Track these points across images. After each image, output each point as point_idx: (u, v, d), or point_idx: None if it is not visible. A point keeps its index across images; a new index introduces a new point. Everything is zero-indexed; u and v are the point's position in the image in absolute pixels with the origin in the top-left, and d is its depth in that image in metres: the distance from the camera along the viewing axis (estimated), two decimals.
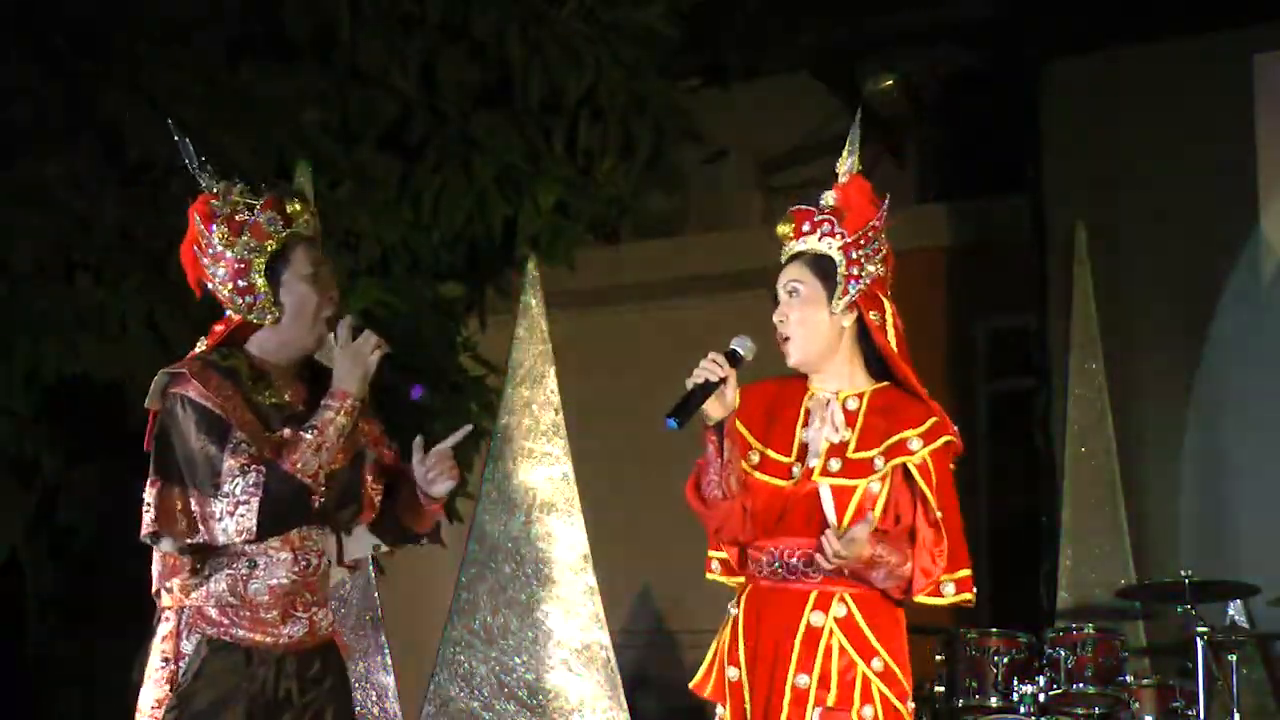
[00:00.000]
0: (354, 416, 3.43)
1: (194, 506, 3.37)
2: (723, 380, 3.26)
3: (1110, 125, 7.79)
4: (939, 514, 3.34)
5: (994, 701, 5.90)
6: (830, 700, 3.29)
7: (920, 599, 3.39)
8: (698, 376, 3.26)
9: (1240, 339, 7.38)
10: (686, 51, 7.43)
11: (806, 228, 3.45)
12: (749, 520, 3.41)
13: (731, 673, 3.40)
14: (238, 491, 3.33)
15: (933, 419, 3.40)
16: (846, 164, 3.54)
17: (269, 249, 3.48)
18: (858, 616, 3.34)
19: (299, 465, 3.36)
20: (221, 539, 3.37)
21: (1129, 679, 5.93)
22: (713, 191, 9.34)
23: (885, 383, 3.46)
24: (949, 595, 3.39)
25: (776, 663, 3.33)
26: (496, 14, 6.96)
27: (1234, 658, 5.80)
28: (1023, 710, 5.82)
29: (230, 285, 3.49)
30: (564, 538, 6.25)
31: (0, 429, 6.87)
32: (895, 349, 3.44)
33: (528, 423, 6.27)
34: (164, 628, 3.48)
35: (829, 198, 3.49)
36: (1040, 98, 7.98)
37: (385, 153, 7.04)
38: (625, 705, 6.16)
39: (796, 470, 3.38)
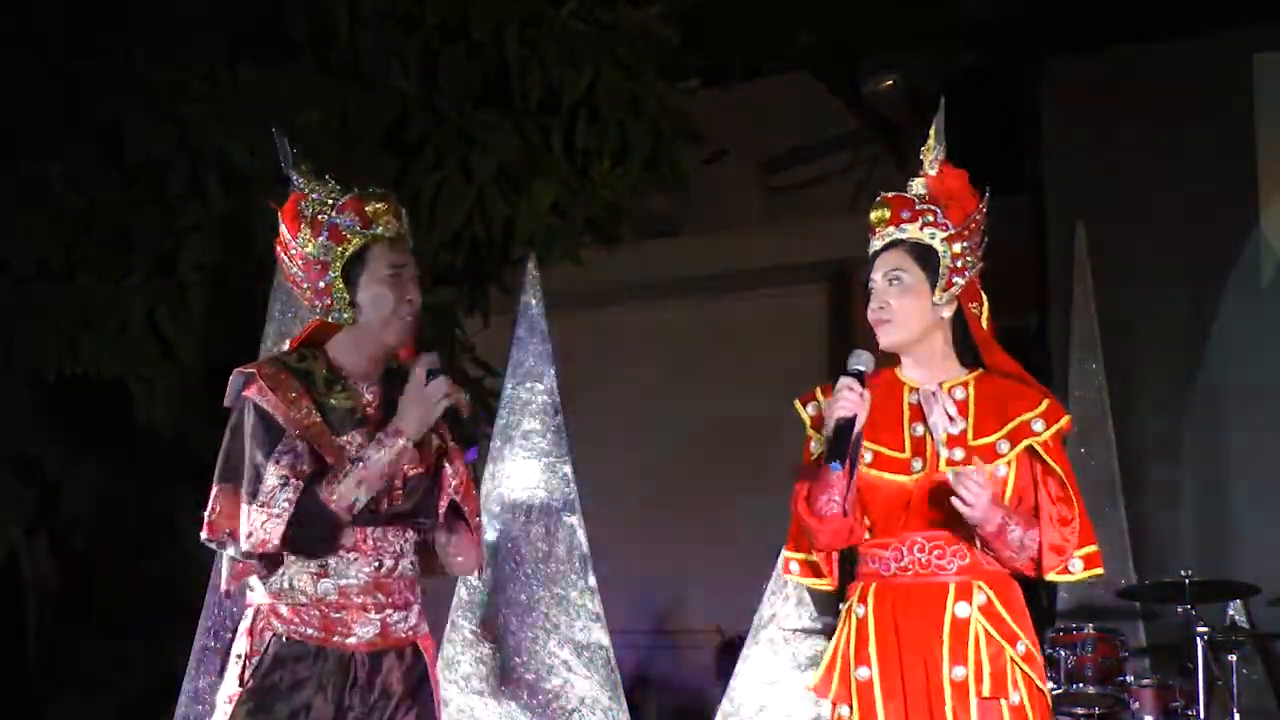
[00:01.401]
0: (403, 457, 3.39)
1: (239, 510, 3.38)
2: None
3: (1110, 125, 7.80)
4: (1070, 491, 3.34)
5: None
6: (986, 690, 3.28)
7: (1051, 577, 3.37)
8: (841, 411, 3.22)
9: (1240, 338, 7.39)
10: (686, 51, 7.43)
11: (906, 215, 3.43)
12: (861, 523, 3.38)
13: (862, 673, 3.35)
14: (272, 503, 3.33)
15: (1047, 400, 3.41)
16: (934, 153, 3.56)
17: (346, 251, 3.51)
18: (997, 603, 3.33)
19: (334, 497, 3.35)
20: (245, 545, 3.37)
21: (1129, 679, 5.93)
22: (712, 191, 9.34)
23: (979, 370, 3.46)
24: (1077, 572, 3.38)
25: (925, 659, 3.30)
26: (495, 14, 6.96)
27: (1234, 658, 5.81)
28: None
29: (309, 286, 3.52)
30: (564, 538, 6.24)
31: (1, 428, 6.87)
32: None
33: (528, 423, 6.27)
34: (244, 623, 3.49)
35: (919, 186, 3.49)
36: (1040, 98, 8.00)
37: (384, 153, 7.04)
38: (625, 705, 6.16)
39: (917, 464, 3.35)
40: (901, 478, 3.35)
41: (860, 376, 3.26)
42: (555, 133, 7.16)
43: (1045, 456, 3.35)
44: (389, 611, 3.47)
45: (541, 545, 6.23)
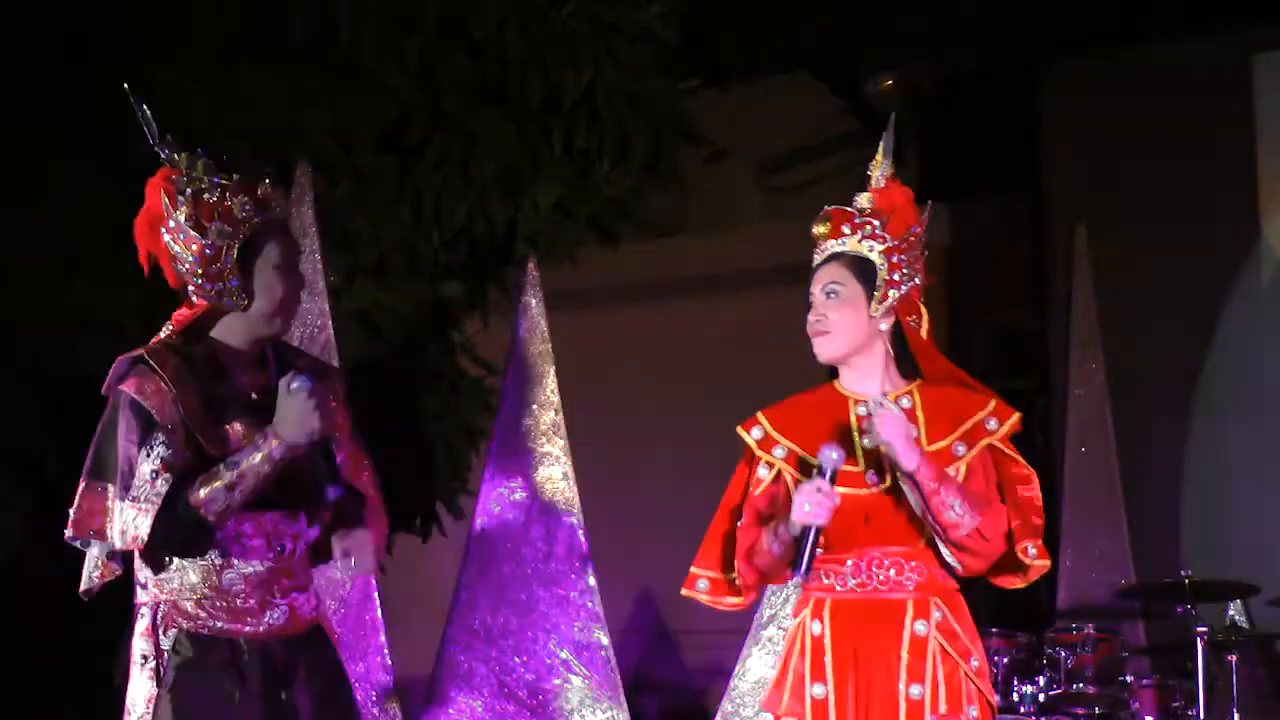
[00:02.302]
0: (279, 464, 3.29)
1: (109, 504, 3.34)
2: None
3: (1110, 125, 7.80)
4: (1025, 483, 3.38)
5: (994, 701, 5.89)
6: (942, 706, 3.29)
7: (1030, 563, 3.36)
8: (813, 519, 3.20)
9: (1240, 338, 7.39)
10: (686, 52, 7.42)
11: (847, 229, 3.43)
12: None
13: (817, 690, 3.32)
14: (141, 497, 3.28)
15: (994, 400, 3.45)
16: (881, 168, 3.52)
17: (241, 236, 3.42)
18: (951, 620, 3.34)
19: (204, 499, 3.27)
20: (118, 542, 3.32)
21: (1129, 679, 5.94)
22: (712, 191, 9.34)
23: (919, 380, 3.46)
24: (1033, 558, 3.37)
25: (883, 676, 3.29)
26: (496, 14, 6.96)
27: (1234, 658, 5.81)
28: (1023, 710, 5.83)
29: (200, 271, 3.43)
30: (564, 538, 6.25)
31: (0, 428, 6.87)
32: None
33: (528, 423, 6.27)
34: (140, 624, 3.42)
35: (864, 200, 3.48)
36: (1040, 98, 7.99)
37: (384, 153, 7.04)
38: (625, 705, 6.16)
39: (872, 477, 3.33)
40: (859, 491, 3.33)
41: (833, 478, 3.23)
42: (555, 133, 7.16)
43: (1005, 450, 3.39)
44: (294, 595, 3.43)
45: (541, 545, 6.23)
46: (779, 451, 3.42)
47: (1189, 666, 5.80)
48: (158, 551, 3.34)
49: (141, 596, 3.43)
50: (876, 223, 3.42)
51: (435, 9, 6.93)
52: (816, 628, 3.36)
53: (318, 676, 3.46)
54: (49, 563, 7.45)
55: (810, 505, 3.19)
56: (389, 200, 6.98)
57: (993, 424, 3.39)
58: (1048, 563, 3.40)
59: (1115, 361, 7.14)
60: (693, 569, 3.53)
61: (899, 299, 3.42)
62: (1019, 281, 8.07)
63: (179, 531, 3.29)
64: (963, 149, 8.80)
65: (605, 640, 6.15)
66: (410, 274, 7.12)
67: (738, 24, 8.29)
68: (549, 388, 6.29)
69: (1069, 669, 5.88)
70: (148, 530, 3.26)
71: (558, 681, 6.04)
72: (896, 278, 3.42)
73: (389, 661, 5.73)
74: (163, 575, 3.38)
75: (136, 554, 3.42)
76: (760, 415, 3.47)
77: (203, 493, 3.28)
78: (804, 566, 3.20)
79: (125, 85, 3.65)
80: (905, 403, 3.40)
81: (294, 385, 3.30)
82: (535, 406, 6.29)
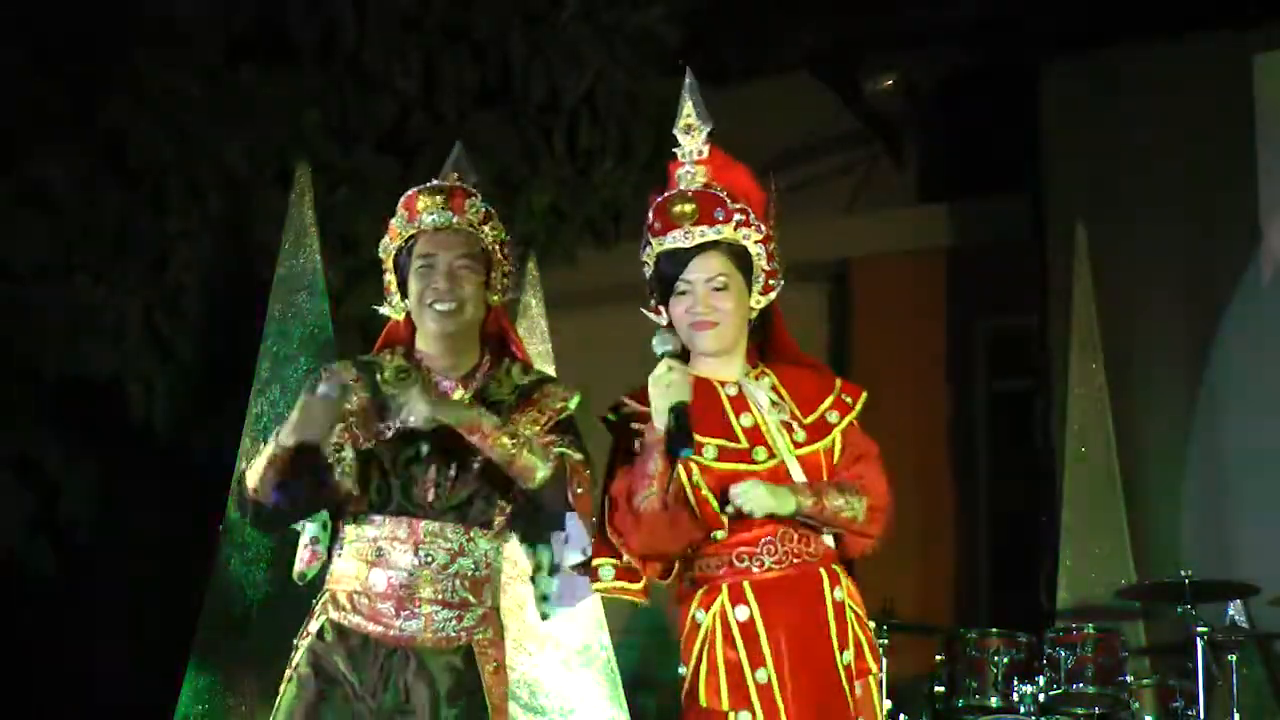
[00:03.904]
0: (286, 448, 3.30)
1: None
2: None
3: (1110, 125, 7.80)
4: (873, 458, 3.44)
5: (994, 701, 5.90)
6: (872, 667, 3.35)
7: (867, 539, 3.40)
8: (677, 395, 3.18)
9: (1240, 338, 7.38)
10: (686, 52, 7.42)
11: (720, 215, 3.35)
12: (702, 522, 3.29)
13: (760, 675, 3.27)
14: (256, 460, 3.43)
15: (839, 379, 3.48)
16: (697, 132, 3.46)
17: (396, 245, 3.55)
18: (850, 585, 3.38)
19: (247, 471, 3.43)
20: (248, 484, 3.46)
21: (1129, 679, 5.93)
22: None
23: (767, 362, 3.47)
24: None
25: (817, 648, 3.29)
26: (498, 15, 6.96)
27: (1234, 658, 5.80)
28: (1023, 710, 5.83)
29: (385, 284, 3.60)
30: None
31: (1, 428, 6.87)
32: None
33: None
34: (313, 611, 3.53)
35: (702, 174, 3.40)
36: (1040, 98, 7.98)
37: (384, 154, 7.04)
38: (625, 705, 6.16)
39: (761, 453, 3.31)
40: (755, 467, 3.30)
41: (678, 357, 3.25)
42: (556, 133, 7.16)
43: (851, 427, 3.44)
44: (436, 608, 3.42)
45: None
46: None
47: (1189, 666, 5.80)
48: (253, 525, 3.56)
49: (326, 583, 3.54)
50: (748, 210, 3.37)
51: (438, 10, 6.94)
52: (743, 613, 3.30)
53: (434, 695, 3.41)
54: (47, 560, 7.47)
55: (663, 387, 3.18)
56: (389, 202, 6.98)
57: (849, 398, 3.44)
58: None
59: (1115, 361, 7.14)
60: (595, 561, 3.42)
61: (776, 288, 3.42)
62: (1019, 281, 8.06)
63: (242, 507, 3.48)
64: (963, 149, 8.80)
65: (605, 640, 6.15)
66: None
67: (738, 24, 8.29)
68: None
69: (1069, 669, 5.87)
70: (252, 485, 3.39)
71: (558, 681, 6.04)
72: (773, 267, 3.40)
73: None
74: (334, 565, 3.48)
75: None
76: (624, 398, 3.42)
77: (248, 467, 3.43)
78: (685, 444, 3.14)
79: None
80: (766, 382, 3.41)
81: (320, 387, 3.33)
82: None
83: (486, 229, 3.57)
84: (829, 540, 3.36)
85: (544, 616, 3.72)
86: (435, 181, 3.59)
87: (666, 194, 3.43)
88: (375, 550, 3.42)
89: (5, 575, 7.38)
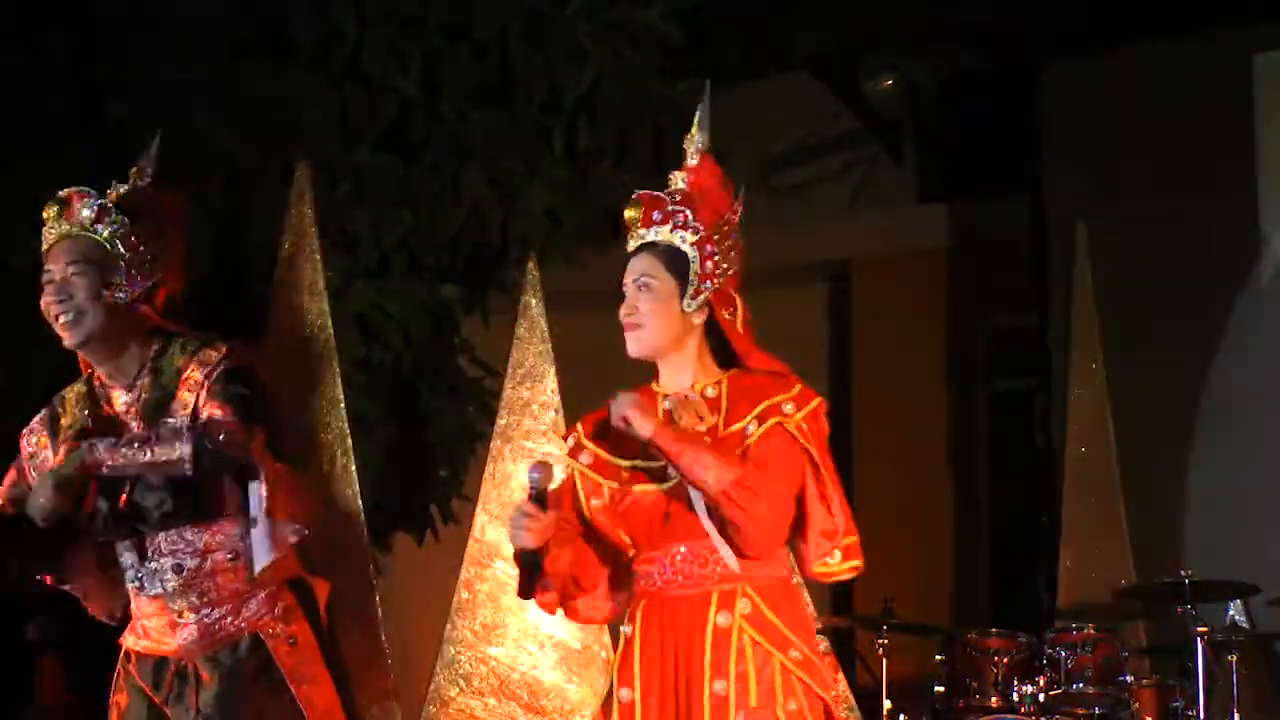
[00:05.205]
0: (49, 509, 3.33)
1: None
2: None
3: (1110, 125, 7.80)
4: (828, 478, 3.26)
5: (994, 701, 5.90)
6: (753, 700, 3.15)
7: (816, 569, 3.28)
8: (517, 541, 3.16)
9: (1240, 338, 7.39)
10: (686, 52, 7.42)
11: (657, 217, 3.31)
12: (615, 552, 3.29)
13: (624, 694, 3.25)
14: None
15: (799, 386, 3.31)
16: (696, 141, 3.42)
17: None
18: (765, 609, 3.21)
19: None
20: None
21: (1129, 679, 5.93)
22: None
23: (734, 369, 3.37)
24: (836, 563, 3.28)
25: (688, 674, 3.19)
26: (499, 15, 6.95)
27: (1234, 658, 5.80)
28: (1023, 710, 5.82)
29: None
30: None
31: (1, 428, 6.86)
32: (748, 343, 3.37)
33: (528, 423, 6.26)
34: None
35: (679, 180, 3.37)
36: (1040, 98, 7.99)
37: (385, 153, 7.04)
38: None
39: (671, 470, 3.22)
40: (661, 486, 3.24)
41: (543, 499, 3.16)
42: (556, 133, 7.16)
43: (803, 441, 3.24)
44: (206, 611, 3.42)
45: None
46: (585, 458, 3.34)
47: (1189, 666, 5.80)
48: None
49: None
50: (688, 212, 3.29)
51: (438, 9, 6.93)
52: (628, 629, 3.29)
53: (231, 688, 3.42)
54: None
55: (513, 528, 3.14)
56: (389, 201, 6.98)
57: (789, 407, 3.25)
58: (856, 563, 3.29)
59: (1115, 361, 7.14)
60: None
61: (712, 293, 3.31)
62: (1019, 281, 8.06)
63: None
64: (963, 149, 8.80)
65: (605, 640, 6.15)
66: (410, 275, 7.13)
67: (738, 24, 8.29)
68: (549, 388, 6.28)
69: (1069, 669, 5.87)
70: None
71: (558, 681, 6.04)
72: (709, 269, 3.29)
73: (389, 661, 5.72)
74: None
75: None
76: (578, 423, 3.40)
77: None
78: (530, 591, 3.15)
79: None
80: (710, 392, 3.31)
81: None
82: (535, 407, 6.28)
83: (100, 228, 3.54)
84: (732, 562, 3.22)
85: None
86: (59, 193, 3.60)
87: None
88: (132, 575, 3.46)
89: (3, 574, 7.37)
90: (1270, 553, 6.79)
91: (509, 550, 6.17)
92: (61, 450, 3.36)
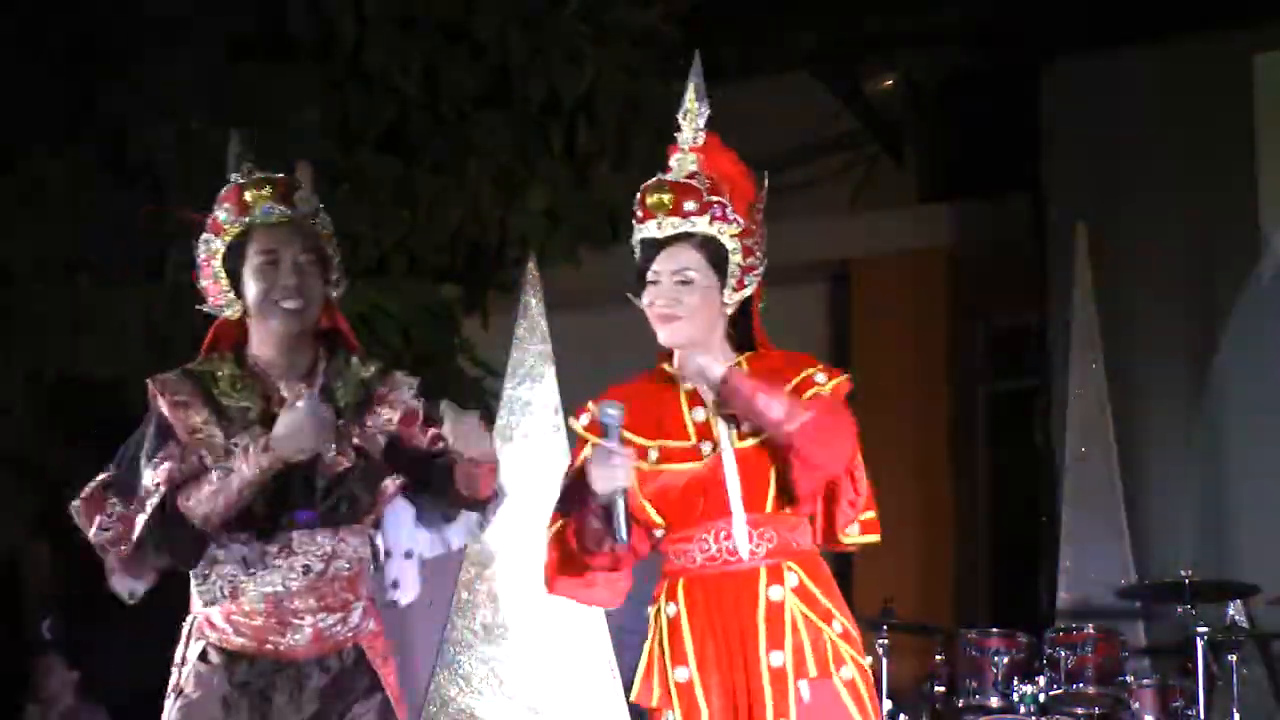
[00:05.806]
0: (266, 472, 3.25)
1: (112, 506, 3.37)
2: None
3: (1110, 125, 7.80)
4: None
5: (994, 701, 5.90)
6: (811, 670, 3.17)
7: (841, 538, 3.30)
8: (610, 483, 3.12)
9: (1240, 338, 7.38)
10: (685, 52, 7.43)
11: (693, 207, 3.26)
12: (647, 530, 3.28)
13: (680, 674, 3.23)
14: (141, 506, 3.30)
15: (821, 364, 3.33)
16: (698, 115, 3.39)
17: (226, 241, 3.40)
18: (809, 583, 3.23)
19: (189, 505, 3.28)
20: (93, 537, 3.40)
21: (1129, 679, 5.93)
22: None
23: (749, 352, 3.36)
24: (854, 535, 3.31)
25: (743, 648, 3.20)
26: (498, 15, 6.96)
27: (1234, 658, 5.81)
28: (1023, 710, 5.83)
29: (205, 284, 3.45)
30: None
31: (1, 429, 6.87)
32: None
33: (528, 423, 6.27)
34: (182, 631, 3.45)
35: (690, 161, 3.32)
36: (1040, 98, 7.98)
37: (384, 154, 7.04)
38: (626, 705, 6.16)
39: (706, 448, 3.23)
40: (692, 465, 3.24)
41: (617, 435, 3.15)
42: (555, 134, 7.16)
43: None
44: (322, 615, 3.38)
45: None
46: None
47: (1189, 666, 5.80)
48: (148, 556, 3.35)
49: (192, 606, 3.45)
50: (725, 202, 3.27)
51: (438, 10, 6.94)
52: (671, 609, 3.28)
53: (336, 699, 3.39)
54: (51, 565, 7.46)
55: (603, 472, 3.12)
56: (389, 201, 6.98)
57: (821, 377, 3.26)
58: (874, 539, 3.34)
59: (1115, 361, 7.13)
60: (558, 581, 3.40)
61: (754, 285, 3.31)
62: (1019, 281, 8.06)
63: (170, 538, 3.30)
64: (963, 149, 8.80)
65: (605, 640, 6.15)
66: (410, 275, 7.13)
67: (738, 24, 8.29)
68: (549, 388, 6.28)
69: (1069, 669, 5.87)
70: (133, 539, 3.30)
71: (558, 681, 6.05)
72: (751, 263, 3.29)
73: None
74: (201, 588, 3.40)
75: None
76: (590, 404, 3.37)
77: (188, 498, 3.28)
78: (619, 533, 3.12)
79: (236, 131, 3.59)
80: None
81: (300, 402, 3.26)
82: (535, 406, 6.28)
83: (319, 221, 3.48)
84: (789, 535, 3.26)
85: (393, 604, 3.61)
86: (259, 174, 3.46)
87: (649, 181, 3.36)
88: (249, 568, 3.36)
89: (7, 578, 7.38)
90: (1270, 553, 6.79)
91: (509, 550, 6.20)
92: (249, 436, 3.28)
